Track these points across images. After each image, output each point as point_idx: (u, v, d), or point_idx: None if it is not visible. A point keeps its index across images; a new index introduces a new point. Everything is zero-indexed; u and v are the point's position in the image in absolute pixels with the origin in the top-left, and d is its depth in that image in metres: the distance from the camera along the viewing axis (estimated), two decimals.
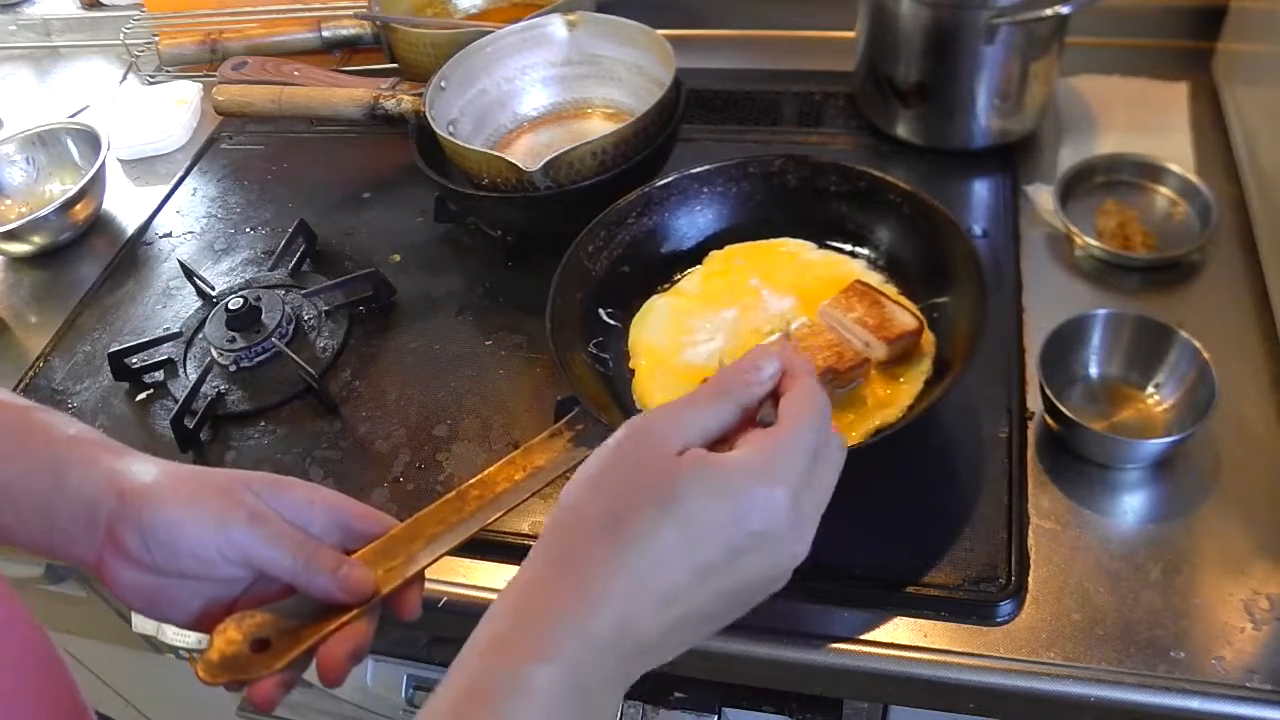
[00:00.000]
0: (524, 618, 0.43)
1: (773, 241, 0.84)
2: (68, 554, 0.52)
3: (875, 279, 0.80)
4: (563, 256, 0.79)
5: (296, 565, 0.52)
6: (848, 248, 0.84)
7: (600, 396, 0.73)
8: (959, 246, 0.74)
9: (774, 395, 0.49)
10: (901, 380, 0.73)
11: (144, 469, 0.53)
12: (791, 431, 0.46)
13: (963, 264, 0.73)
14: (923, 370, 0.73)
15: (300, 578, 0.52)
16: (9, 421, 0.55)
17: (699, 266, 0.84)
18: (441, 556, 0.55)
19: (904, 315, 0.73)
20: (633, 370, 0.78)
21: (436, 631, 0.80)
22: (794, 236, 0.85)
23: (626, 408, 0.75)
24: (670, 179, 0.84)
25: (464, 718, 0.40)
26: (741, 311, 0.80)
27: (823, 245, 0.84)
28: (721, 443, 0.48)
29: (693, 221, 0.86)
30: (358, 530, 0.56)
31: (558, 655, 0.41)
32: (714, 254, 0.85)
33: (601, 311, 0.81)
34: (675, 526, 0.43)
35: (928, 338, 0.74)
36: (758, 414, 0.49)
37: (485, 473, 0.59)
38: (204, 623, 0.53)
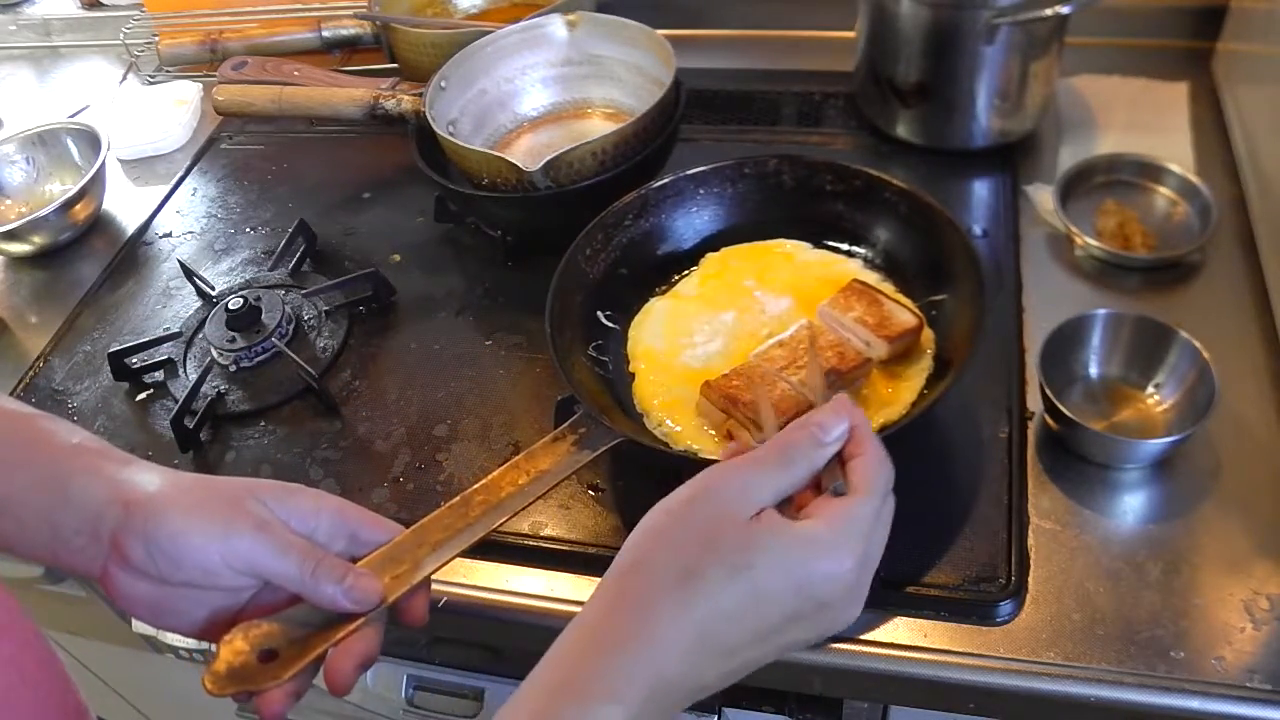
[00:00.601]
0: (593, 660, 0.45)
1: (769, 243, 0.84)
2: (71, 565, 0.52)
3: (872, 278, 0.80)
4: (562, 257, 0.79)
5: (303, 575, 0.51)
6: (844, 247, 0.83)
7: (602, 399, 0.73)
8: (956, 243, 0.74)
9: (839, 455, 0.50)
10: (903, 378, 0.73)
11: (148, 479, 0.53)
12: (862, 504, 0.48)
13: (960, 260, 0.73)
14: (923, 368, 0.73)
15: (307, 587, 0.51)
16: (12, 430, 0.54)
17: (696, 269, 0.84)
18: (448, 562, 0.55)
19: (903, 313, 0.73)
20: (633, 374, 0.78)
21: (436, 631, 0.80)
22: (790, 237, 0.84)
23: (628, 410, 0.75)
24: (666, 180, 0.84)
25: None
26: (739, 314, 0.79)
27: (819, 245, 0.84)
28: (787, 502, 0.49)
29: (689, 223, 0.86)
30: (364, 538, 0.55)
31: (626, 698, 0.43)
32: (710, 256, 0.84)
33: (600, 314, 0.81)
34: (745, 589, 0.45)
35: (927, 335, 0.74)
36: (824, 476, 0.50)
37: (489, 477, 0.59)
38: (209, 632, 0.53)
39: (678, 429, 0.73)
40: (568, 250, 0.79)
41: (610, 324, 0.81)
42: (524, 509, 0.58)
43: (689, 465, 0.68)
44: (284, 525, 0.53)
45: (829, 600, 0.46)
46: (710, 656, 0.45)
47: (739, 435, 0.68)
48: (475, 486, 0.58)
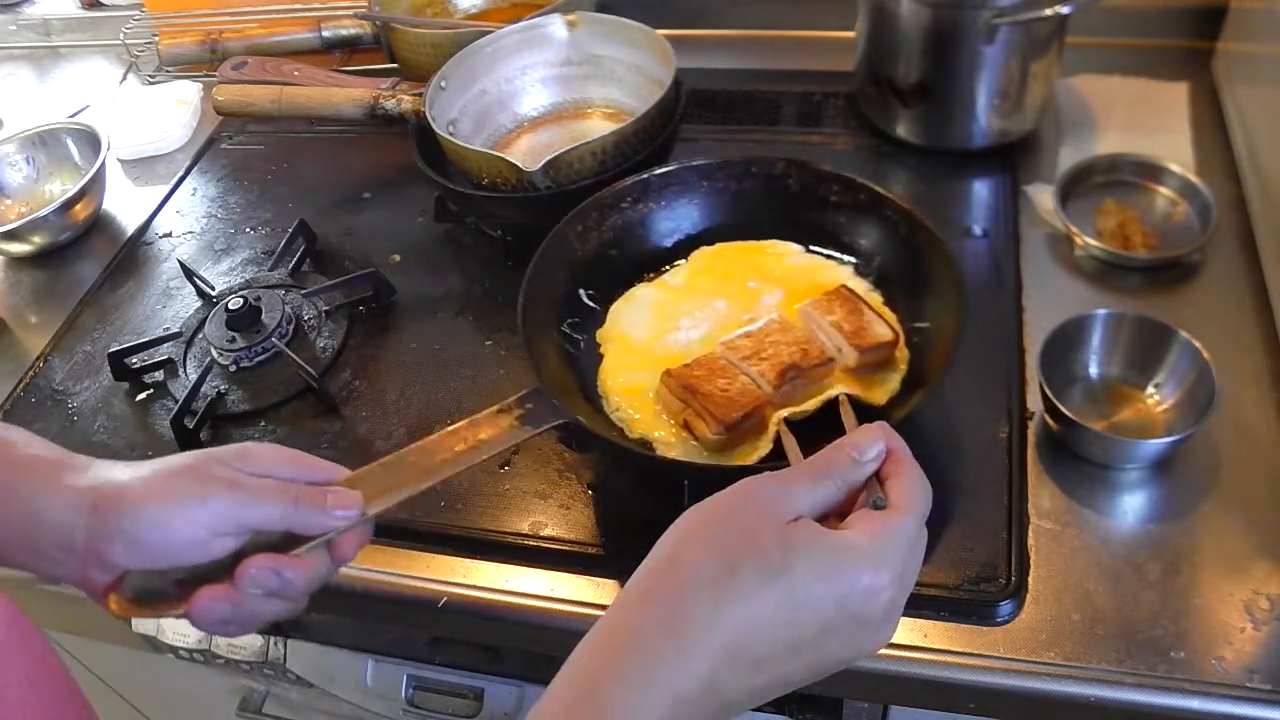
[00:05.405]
0: (617, 667, 0.43)
1: (762, 242, 0.84)
2: (53, 574, 0.54)
3: (861, 286, 0.79)
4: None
5: (287, 509, 0.53)
6: (837, 255, 0.83)
7: (563, 378, 0.73)
8: (948, 276, 0.72)
9: (877, 475, 0.50)
10: (876, 385, 0.72)
11: (109, 477, 0.54)
12: (903, 521, 0.47)
13: (949, 292, 0.72)
14: (893, 384, 0.72)
15: (292, 519, 0.54)
16: None
17: (686, 261, 0.84)
18: (373, 518, 0.56)
19: (881, 326, 0.72)
20: (602, 355, 0.77)
21: (436, 631, 0.80)
22: (785, 239, 0.84)
23: (589, 392, 0.74)
24: (670, 168, 0.84)
25: None
26: (721, 311, 0.79)
27: (811, 250, 0.83)
28: (824, 518, 0.48)
29: (687, 214, 0.85)
30: (316, 480, 0.57)
31: (648, 711, 0.42)
32: (703, 250, 0.84)
33: (582, 292, 0.81)
34: (781, 593, 0.43)
35: (902, 353, 0.73)
36: (863, 493, 0.49)
37: (427, 440, 0.59)
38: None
39: (636, 416, 0.72)
40: (559, 222, 0.78)
41: (591, 304, 0.81)
42: (454, 475, 0.58)
43: (639, 457, 0.68)
44: (251, 477, 0.55)
45: (865, 617, 0.45)
46: (738, 667, 0.43)
47: (695, 426, 0.68)
48: (411, 447, 0.59)
